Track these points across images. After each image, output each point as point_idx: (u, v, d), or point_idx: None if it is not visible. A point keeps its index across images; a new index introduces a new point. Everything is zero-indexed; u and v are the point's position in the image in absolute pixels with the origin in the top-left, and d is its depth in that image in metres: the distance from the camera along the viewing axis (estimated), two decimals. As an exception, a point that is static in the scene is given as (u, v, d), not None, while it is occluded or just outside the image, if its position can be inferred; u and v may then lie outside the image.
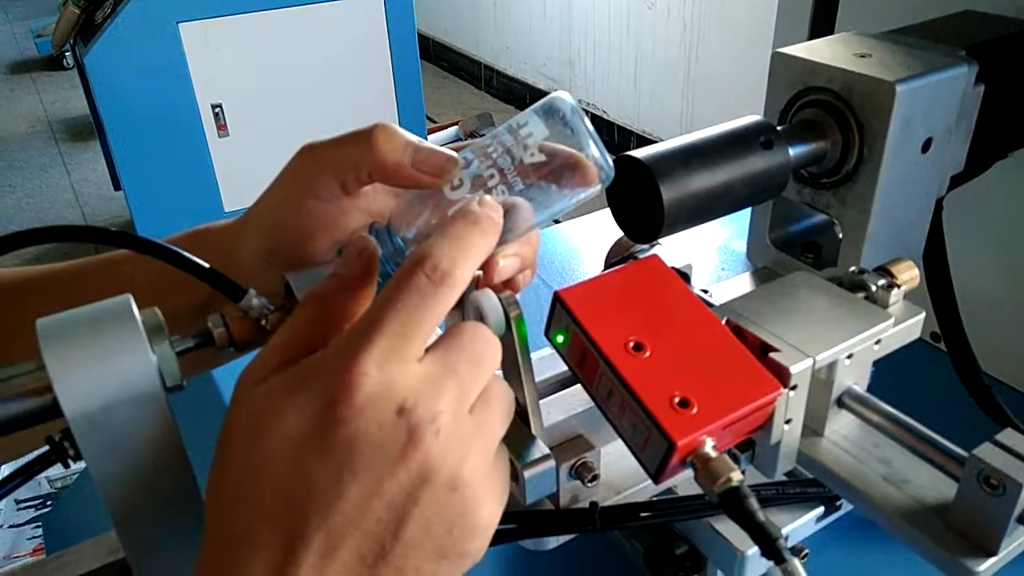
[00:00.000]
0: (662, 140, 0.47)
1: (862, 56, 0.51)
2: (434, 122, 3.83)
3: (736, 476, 0.35)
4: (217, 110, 2.55)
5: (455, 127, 3.77)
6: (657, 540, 0.54)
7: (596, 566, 0.59)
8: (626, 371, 0.36)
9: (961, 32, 0.56)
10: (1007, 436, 0.36)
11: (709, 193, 0.46)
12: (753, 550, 0.49)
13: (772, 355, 0.38)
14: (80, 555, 0.40)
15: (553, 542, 0.50)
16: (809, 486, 0.51)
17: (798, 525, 0.51)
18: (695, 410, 0.35)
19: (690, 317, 0.39)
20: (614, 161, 0.39)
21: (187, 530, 0.37)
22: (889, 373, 0.54)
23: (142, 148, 2.46)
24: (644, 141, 3.29)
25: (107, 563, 0.40)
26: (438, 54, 4.78)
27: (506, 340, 0.41)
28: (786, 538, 0.51)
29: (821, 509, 0.52)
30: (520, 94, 4.16)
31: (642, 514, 0.48)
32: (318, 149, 0.41)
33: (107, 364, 0.32)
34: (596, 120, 3.67)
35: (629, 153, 0.45)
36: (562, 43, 3.76)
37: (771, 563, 0.51)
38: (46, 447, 0.35)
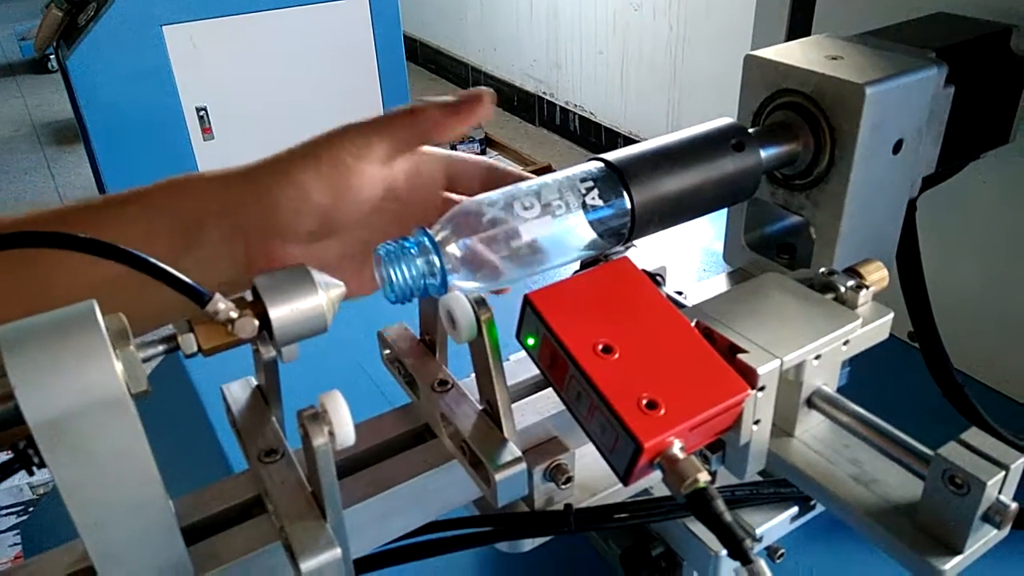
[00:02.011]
0: (648, 141, 0.47)
1: (833, 58, 0.51)
2: (421, 124, 3.82)
3: (703, 477, 0.35)
4: (202, 113, 2.54)
5: (442, 129, 3.76)
6: (633, 541, 0.54)
7: (572, 568, 0.59)
8: (594, 373, 0.37)
9: (932, 34, 0.56)
10: (972, 436, 0.36)
11: (680, 195, 0.46)
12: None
13: (740, 356, 0.38)
14: (47, 563, 0.40)
15: (528, 544, 0.50)
16: (783, 486, 0.51)
17: (773, 525, 0.51)
18: (663, 412, 0.35)
19: (659, 319, 0.39)
20: (583, 164, 0.40)
21: (154, 538, 0.37)
22: (868, 372, 0.55)
23: (126, 151, 2.45)
24: (631, 142, 3.30)
25: (75, 571, 0.40)
26: (425, 56, 4.78)
27: (477, 343, 0.42)
28: (760, 538, 0.51)
29: (796, 509, 0.52)
30: (507, 96, 4.17)
31: (616, 516, 0.48)
32: (359, 123, 0.44)
33: (69, 370, 0.32)
34: (583, 122, 3.68)
35: (600, 156, 0.45)
36: (549, 45, 3.76)
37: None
38: (10, 454, 0.35)
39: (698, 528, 0.50)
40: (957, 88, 0.53)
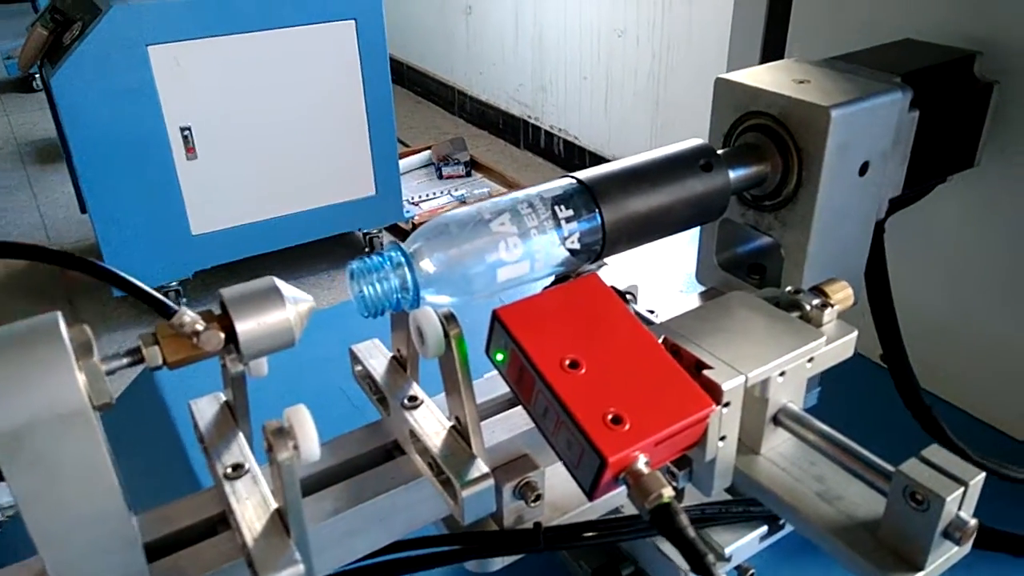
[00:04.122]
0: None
1: (800, 82, 0.52)
2: (407, 146, 3.84)
3: (667, 492, 0.35)
4: (186, 133, 2.54)
5: (428, 151, 3.78)
6: (604, 561, 0.54)
7: (544, 587, 0.59)
8: (560, 388, 0.37)
9: (899, 59, 0.57)
10: (932, 452, 0.36)
11: (649, 214, 0.46)
12: (697, 569, 0.49)
13: (705, 372, 0.39)
14: (8, 579, 0.40)
15: (498, 563, 0.50)
16: (752, 504, 0.51)
17: (742, 544, 0.51)
18: (627, 427, 0.36)
19: (626, 335, 0.40)
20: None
21: (114, 553, 0.36)
22: (839, 393, 0.55)
23: (108, 171, 2.44)
24: (614, 166, 3.31)
25: (35, 587, 0.39)
26: (412, 79, 4.81)
27: (447, 359, 0.42)
28: (730, 558, 0.51)
29: (765, 528, 0.52)
30: (493, 119, 4.19)
31: (585, 534, 0.48)
32: None
33: (31, 382, 0.32)
34: (567, 145, 3.71)
35: (572, 174, 0.46)
36: (534, 70, 3.79)
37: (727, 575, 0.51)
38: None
39: (667, 547, 0.50)
40: (922, 112, 0.54)
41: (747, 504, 0.51)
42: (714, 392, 0.38)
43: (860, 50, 0.60)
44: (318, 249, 2.85)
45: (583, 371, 0.38)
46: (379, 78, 2.77)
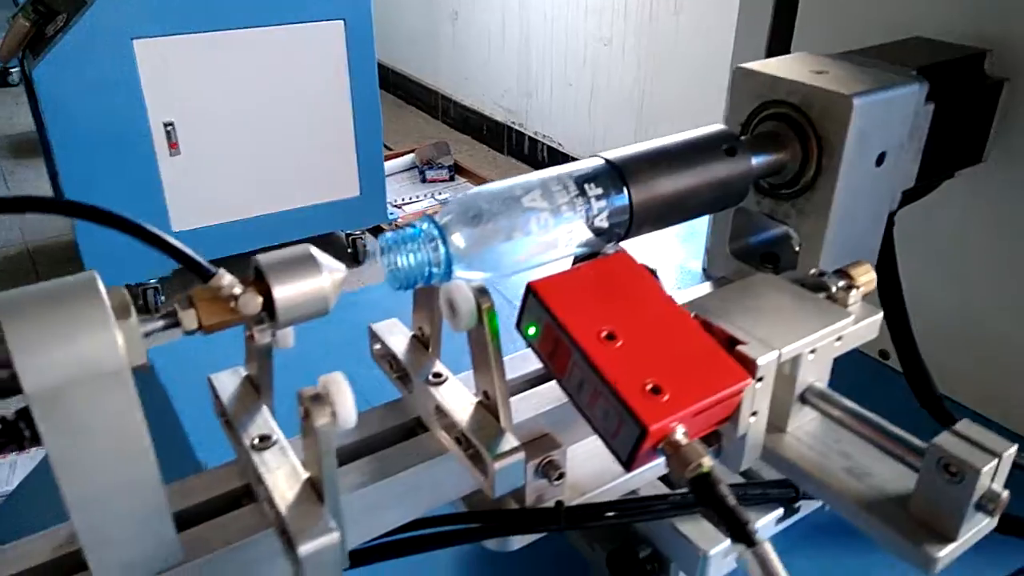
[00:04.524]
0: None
1: (820, 72, 0.53)
2: (390, 149, 3.83)
3: (707, 462, 0.35)
4: (169, 128, 2.51)
5: (411, 155, 3.78)
6: (620, 544, 0.54)
7: (558, 570, 0.59)
8: (599, 359, 0.37)
9: (912, 55, 0.58)
10: (965, 426, 0.37)
11: (676, 196, 0.47)
12: (716, 549, 0.49)
13: (739, 347, 0.39)
14: (29, 548, 0.39)
15: (518, 543, 0.49)
16: (770, 487, 0.52)
17: (759, 526, 0.52)
18: (666, 397, 0.36)
19: (660, 309, 0.40)
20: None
21: (145, 520, 0.36)
22: (839, 388, 0.56)
23: (89, 165, 2.41)
24: (598, 173, 3.33)
25: (57, 557, 0.38)
26: (396, 83, 4.80)
27: (477, 332, 0.42)
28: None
29: (781, 511, 0.53)
30: (477, 124, 4.20)
31: (607, 514, 0.48)
32: None
33: (70, 339, 0.31)
34: (551, 152, 3.72)
35: (601, 154, 0.46)
36: (520, 76, 3.81)
37: (734, 564, 0.52)
38: (-1, 428, 0.34)
39: (686, 527, 0.50)
40: (936, 106, 0.55)
41: (764, 487, 0.52)
42: (749, 366, 0.38)
43: (872, 46, 0.61)
44: (301, 249, 2.82)
45: (620, 343, 0.38)
46: (366, 79, 2.77)
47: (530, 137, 3.85)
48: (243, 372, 0.46)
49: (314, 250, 0.38)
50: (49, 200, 0.34)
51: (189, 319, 0.35)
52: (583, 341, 0.37)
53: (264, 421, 0.42)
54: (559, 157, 3.67)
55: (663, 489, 0.53)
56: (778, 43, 0.75)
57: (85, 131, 2.37)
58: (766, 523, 0.52)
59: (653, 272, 0.43)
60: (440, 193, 3.55)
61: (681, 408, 0.36)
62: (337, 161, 2.83)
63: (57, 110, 2.31)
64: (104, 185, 2.44)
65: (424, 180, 3.66)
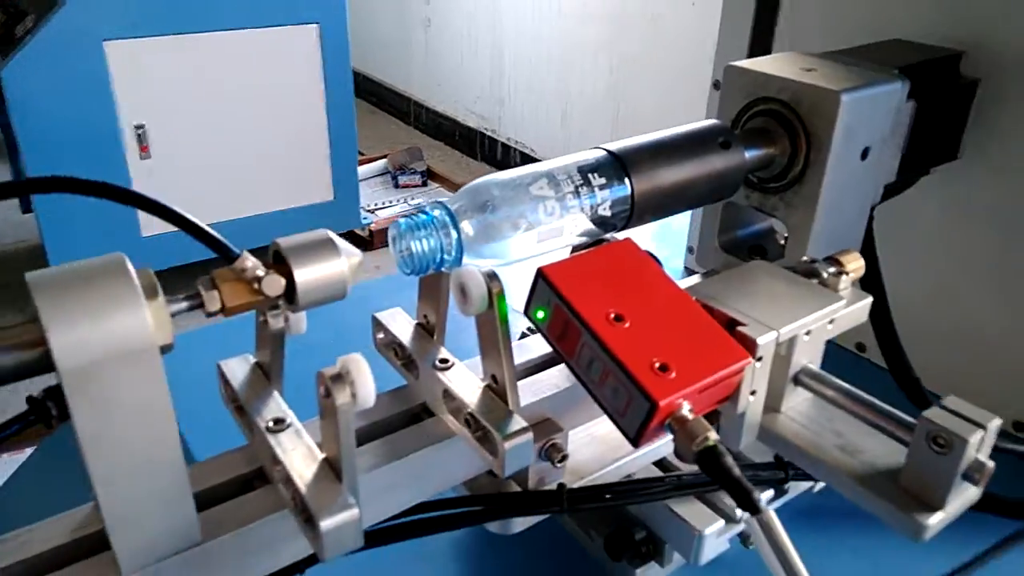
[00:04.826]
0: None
1: (808, 70, 0.55)
2: (363, 155, 3.83)
3: (712, 435, 0.37)
4: (140, 131, 2.49)
5: (384, 160, 3.78)
6: (616, 527, 0.55)
7: (555, 561, 0.60)
8: (608, 338, 0.38)
9: (893, 55, 0.61)
10: (951, 401, 0.39)
11: (675, 187, 0.49)
12: (710, 529, 0.51)
13: (739, 328, 0.41)
14: (45, 532, 0.39)
15: (520, 525, 0.51)
16: (760, 469, 0.53)
17: (751, 508, 0.53)
18: (673, 375, 0.37)
19: (664, 293, 0.42)
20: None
21: (167, 499, 0.36)
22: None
23: (58, 168, 2.37)
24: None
25: (76, 538, 0.39)
26: (368, 89, 4.79)
27: (487, 315, 0.43)
28: (740, 519, 0.53)
29: (771, 493, 0.55)
30: (449, 131, 4.21)
31: (607, 495, 0.50)
32: None
33: (102, 318, 0.32)
34: (524, 157, 3.74)
35: (602, 145, 0.48)
36: (492, 82, 3.83)
37: (726, 544, 0.53)
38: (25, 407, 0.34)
39: (681, 508, 0.52)
40: (917, 103, 0.58)
41: (754, 469, 0.54)
42: (749, 346, 0.40)
43: (854, 47, 0.64)
44: (274, 253, 2.81)
45: (627, 324, 0.39)
46: (341, 83, 2.77)
47: (503, 143, 3.88)
48: (251, 359, 0.47)
49: (332, 234, 0.39)
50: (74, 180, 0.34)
51: (212, 300, 0.36)
52: (593, 322, 0.39)
53: (277, 405, 0.43)
54: (532, 162, 3.70)
55: (658, 474, 0.55)
56: (759, 45, 0.78)
57: (55, 134, 2.34)
58: (758, 504, 0.53)
59: (656, 259, 0.44)
60: (413, 198, 3.56)
61: (688, 384, 0.37)
62: (311, 165, 2.83)
63: (26, 112, 2.28)
64: (74, 188, 2.41)
65: (397, 185, 3.66)
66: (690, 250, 0.95)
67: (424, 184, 3.68)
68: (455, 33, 4.00)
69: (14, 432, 0.34)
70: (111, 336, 0.32)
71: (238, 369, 0.46)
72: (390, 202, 3.52)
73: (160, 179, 2.55)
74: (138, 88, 2.43)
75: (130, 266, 0.33)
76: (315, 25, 2.65)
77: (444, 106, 4.24)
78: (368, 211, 3.36)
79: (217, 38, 2.50)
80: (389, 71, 4.59)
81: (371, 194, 3.56)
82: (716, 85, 0.86)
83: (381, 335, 0.52)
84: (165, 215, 0.35)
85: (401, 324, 0.51)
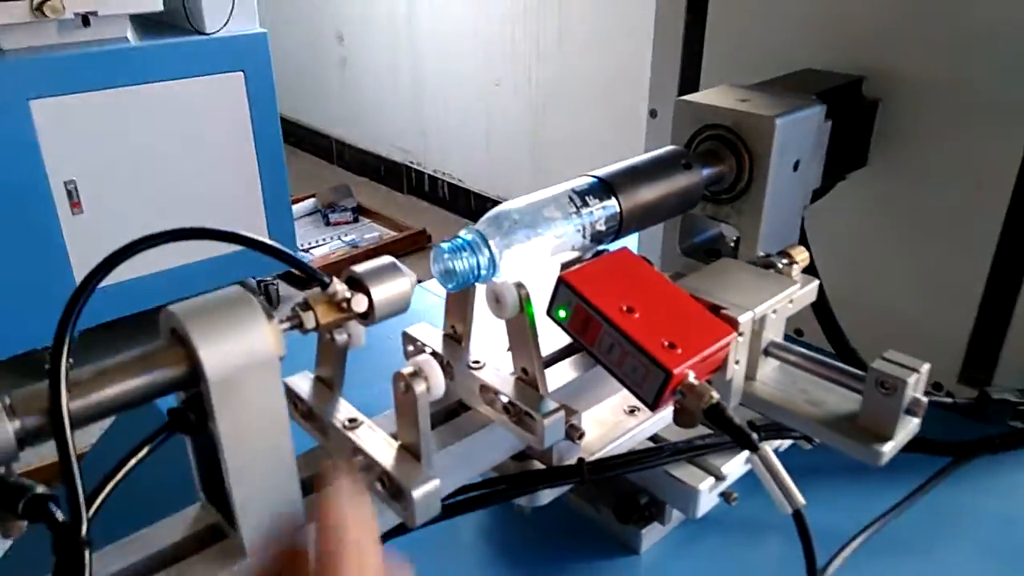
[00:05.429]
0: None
1: (744, 100, 0.67)
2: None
3: (715, 395, 0.47)
4: (71, 187, 2.48)
5: (312, 199, 3.81)
6: (623, 496, 0.65)
7: (569, 534, 0.69)
8: (625, 326, 0.48)
9: (808, 83, 0.73)
10: (891, 354, 0.50)
11: (652, 203, 0.59)
12: (703, 485, 0.61)
13: (723, 311, 0.51)
14: (164, 531, 0.45)
15: (547, 497, 0.60)
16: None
17: (731, 464, 0.63)
18: (680, 350, 0.47)
19: (661, 288, 0.52)
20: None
21: (282, 484, 0.44)
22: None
23: (-12, 228, 2.34)
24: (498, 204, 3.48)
25: (194, 532, 0.45)
26: (288, 131, 4.80)
27: (518, 318, 0.52)
28: (725, 477, 0.63)
29: (747, 454, 0.65)
30: (374, 166, 4.28)
31: (618, 465, 0.59)
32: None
33: (239, 336, 0.40)
34: (452, 188, 3.84)
35: (590, 172, 0.58)
36: (414, 115, 3.93)
37: (716, 499, 0.63)
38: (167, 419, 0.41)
39: (679, 472, 0.62)
40: (832, 122, 0.70)
41: (734, 434, 0.64)
42: (733, 324, 0.50)
43: (775, 78, 0.76)
44: (215, 299, 2.81)
45: (637, 315, 0.49)
46: (269, 127, 2.81)
47: (429, 175, 3.97)
48: (310, 375, 0.55)
49: (394, 259, 0.48)
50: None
51: (309, 319, 0.44)
52: (611, 314, 0.49)
53: (347, 409, 0.51)
54: (460, 193, 3.80)
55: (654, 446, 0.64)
56: (688, 83, 0.90)
57: (-19, 193, 2.31)
58: (735, 461, 0.64)
59: (649, 262, 0.54)
60: (346, 235, 3.60)
61: (692, 356, 0.47)
62: (245, 210, 2.85)
63: (-49, 174, 2.25)
64: (3, 246, 2.37)
65: (328, 223, 3.70)
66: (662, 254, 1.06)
67: (355, 220, 3.73)
68: (372, 70, 4.09)
69: (159, 443, 0.41)
70: (245, 351, 0.40)
71: (301, 383, 0.54)
72: (324, 239, 3.56)
73: (93, 234, 2.53)
74: (67, 144, 2.42)
75: (252, 295, 0.41)
76: (240, 72, 2.69)
77: (367, 142, 4.31)
78: (304, 250, 3.39)
79: (143, 91, 2.51)
80: (308, 112, 4.64)
81: (304, 233, 3.59)
82: (652, 113, 0.97)
83: (411, 347, 0.60)
84: (275, 254, 0.43)
85: (431, 335, 0.59)
